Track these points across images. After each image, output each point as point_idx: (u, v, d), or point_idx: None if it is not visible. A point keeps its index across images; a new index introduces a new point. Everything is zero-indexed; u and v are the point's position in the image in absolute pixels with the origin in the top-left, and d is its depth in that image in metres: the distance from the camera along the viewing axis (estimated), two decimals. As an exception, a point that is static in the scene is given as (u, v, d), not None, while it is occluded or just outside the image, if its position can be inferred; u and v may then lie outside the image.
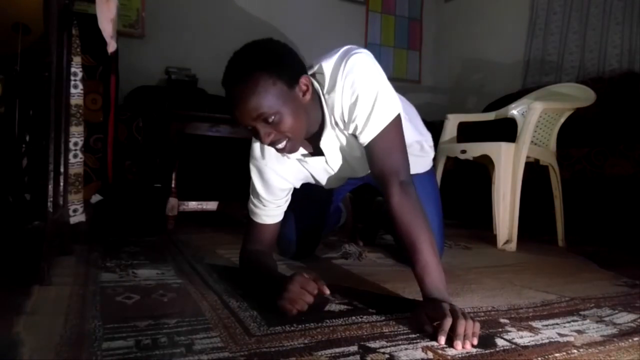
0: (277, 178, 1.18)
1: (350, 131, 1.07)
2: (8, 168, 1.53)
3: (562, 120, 2.05)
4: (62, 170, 1.38)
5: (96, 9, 1.66)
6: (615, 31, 2.94)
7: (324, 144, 1.11)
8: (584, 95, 2.04)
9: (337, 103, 1.04)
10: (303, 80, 0.99)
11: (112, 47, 1.75)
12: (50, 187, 1.18)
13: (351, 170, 1.24)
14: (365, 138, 1.03)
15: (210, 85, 3.43)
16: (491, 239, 2.01)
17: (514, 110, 2.25)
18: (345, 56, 1.02)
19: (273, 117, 0.94)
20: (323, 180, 1.26)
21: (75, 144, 1.58)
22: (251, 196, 1.21)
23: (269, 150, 1.15)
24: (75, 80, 1.56)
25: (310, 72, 1.05)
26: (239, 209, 2.20)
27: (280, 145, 1.00)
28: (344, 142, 1.13)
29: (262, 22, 3.71)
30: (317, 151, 1.14)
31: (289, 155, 1.12)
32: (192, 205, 2.02)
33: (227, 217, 2.49)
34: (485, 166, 2.20)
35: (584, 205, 2.31)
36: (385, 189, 1.00)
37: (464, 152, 2.05)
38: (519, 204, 1.88)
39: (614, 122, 2.49)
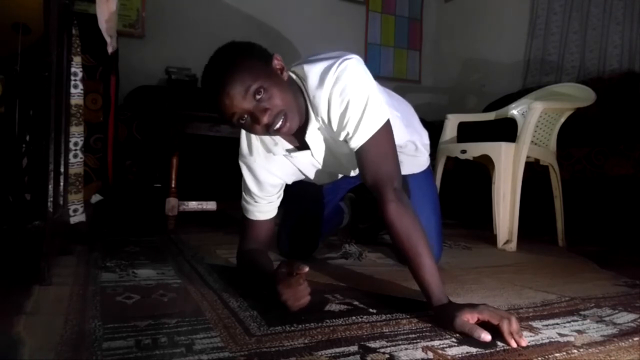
0: (267, 174, 1.17)
1: (342, 138, 1.06)
2: (8, 168, 1.53)
3: (562, 120, 2.04)
4: (62, 170, 1.38)
5: (96, 9, 1.66)
6: (615, 31, 2.94)
7: (309, 136, 1.10)
8: (584, 95, 2.04)
9: (322, 103, 1.03)
10: (275, 58, 1.02)
11: (112, 47, 1.75)
12: (51, 187, 1.18)
13: (339, 165, 1.23)
14: (356, 143, 1.03)
15: (210, 85, 3.42)
16: (491, 239, 2.00)
17: (514, 110, 2.25)
18: (336, 62, 1.02)
19: (262, 92, 0.94)
20: (311, 175, 1.25)
21: (76, 144, 1.58)
22: (243, 194, 1.21)
23: (257, 147, 1.15)
24: (75, 80, 1.56)
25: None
26: (239, 208, 2.20)
27: (279, 123, 0.97)
28: (327, 135, 1.12)
29: (262, 22, 3.71)
30: (303, 146, 1.14)
31: (275, 150, 1.13)
32: (192, 205, 2.02)
33: (227, 217, 2.49)
34: (485, 166, 2.20)
35: (584, 205, 2.31)
36: (381, 195, 1.00)
37: (464, 152, 2.05)
38: (519, 204, 1.87)
39: (614, 122, 2.49)
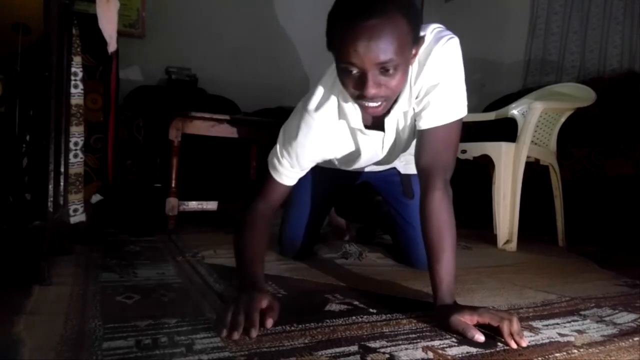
0: (318, 146, 1.10)
1: (419, 108, 1.01)
2: (8, 168, 1.53)
3: (563, 120, 2.05)
4: (62, 170, 1.38)
5: (96, 9, 1.66)
6: (615, 31, 2.94)
7: (389, 120, 1.06)
8: (585, 95, 2.04)
9: (420, 76, 0.98)
10: (421, 42, 0.93)
11: (112, 47, 1.75)
12: (51, 187, 1.18)
13: (390, 152, 1.20)
14: (429, 122, 0.99)
15: (210, 85, 3.43)
16: (491, 239, 2.00)
17: (515, 110, 2.25)
18: (441, 36, 0.98)
19: (391, 69, 0.85)
20: (365, 157, 1.19)
21: (76, 143, 1.58)
22: (280, 149, 1.13)
23: (330, 110, 1.07)
24: (75, 80, 1.56)
25: None
26: (239, 209, 2.20)
27: (375, 104, 0.91)
28: (402, 122, 1.09)
29: (262, 22, 3.71)
30: (374, 126, 1.09)
31: (350, 121, 1.06)
32: (192, 205, 2.02)
33: (227, 217, 2.49)
34: (485, 166, 2.20)
35: (584, 205, 2.31)
36: (430, 181, 0.97)
37: (464, 152, 2.05)
38: (519, 204, 1.88)
39: (614, 122, 2.49)
